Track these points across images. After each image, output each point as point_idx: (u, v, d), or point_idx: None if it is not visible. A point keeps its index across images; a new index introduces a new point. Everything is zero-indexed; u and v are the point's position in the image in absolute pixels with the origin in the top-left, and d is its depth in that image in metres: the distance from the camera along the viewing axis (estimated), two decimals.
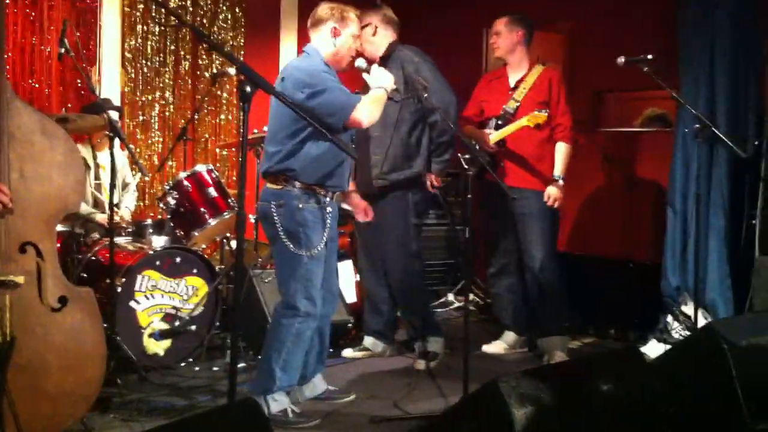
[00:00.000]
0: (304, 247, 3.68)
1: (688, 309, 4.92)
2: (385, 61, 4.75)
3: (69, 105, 5.65)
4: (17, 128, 2.90)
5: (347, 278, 5.45)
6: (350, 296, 5.34)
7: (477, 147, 4.85)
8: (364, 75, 3.98)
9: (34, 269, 2.92)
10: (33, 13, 5.53)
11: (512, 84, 5.00)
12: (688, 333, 4.85)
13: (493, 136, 4.87)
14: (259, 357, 3.92)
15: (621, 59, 4.53)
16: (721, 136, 4.43)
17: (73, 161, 3.05)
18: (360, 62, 4.00)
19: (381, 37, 4.80)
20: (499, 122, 4.90)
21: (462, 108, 5.02)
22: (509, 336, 5.15)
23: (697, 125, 4.52)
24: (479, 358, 4.91)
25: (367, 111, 3.75)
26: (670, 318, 5.01)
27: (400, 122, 4.68)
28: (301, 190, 3.70)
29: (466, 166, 3.94)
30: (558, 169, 4.86)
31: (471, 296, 6.26)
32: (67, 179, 3.01)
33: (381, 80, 3.91)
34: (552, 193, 4.81)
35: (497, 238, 5.09)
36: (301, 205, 3.68)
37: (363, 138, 4.67)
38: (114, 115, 5.20)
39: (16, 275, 2.84)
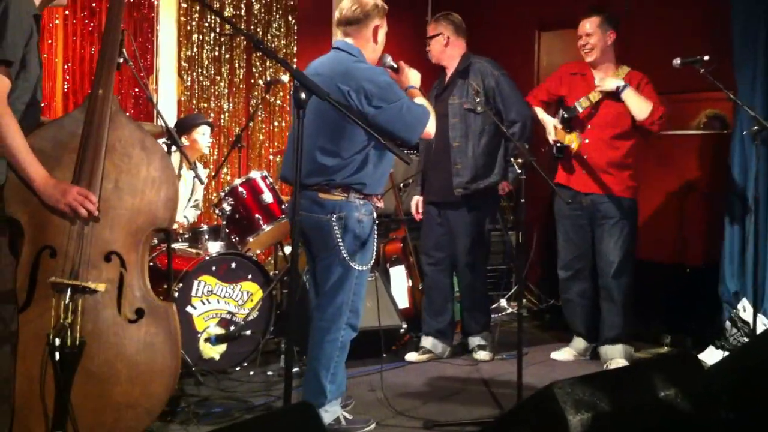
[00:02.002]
0: (359, 260, 3.58)
1: (747, 314, 4.83)
2: (464, 74, 4.82)
3: (127, 114, 5.74)
4: (118, 140, 2.99)
5: (400, 283, 5.47)
6: (402, 302, 5.35)
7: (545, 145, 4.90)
8: (390, 72, 3.75)
9: (117, 279, 2.97)
10: (92, 24, 5.66)
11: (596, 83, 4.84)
12: (746, 339, 4.75)
13: (556, 135, 4.85)
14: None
15: (677, 60, 4.48)
16: None
17: (167, 178, 3.08)
18: (388, 59, 3.81)
19: (453, 47, 4.87)
20: (566, 115, 4.83)
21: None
22: (579, 342, 5.08)
23: (755, 127, 4.45)
24: (533, 364, 4.88)
25: (434, 121, 3.67)
26: (728, 323, 4.92)
27: (482, 133, 4.80)
28: (361, 201, 3.58)
29: (518, 170, 3.94)
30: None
31: (523, 302, 6.23)
32: (159, 194, 3.05)
33: (416, 80, 3.80)
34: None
35: (572, 243, 4.96)
36: (360, 217, 3.57)
37: (442, 147, 4.84)
38: (206, 129, 5.31)
39: (97, 282, 2.90)
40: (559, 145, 4.85)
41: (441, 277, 5.06)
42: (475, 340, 5.05)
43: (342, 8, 3.67)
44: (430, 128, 3.65)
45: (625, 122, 4.75)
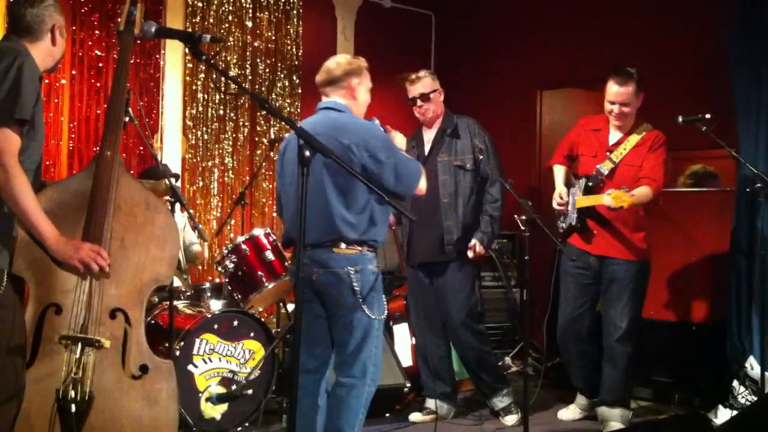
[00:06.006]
0: (377, 311, 3.55)
1: (755, 372, 4.77)
2: (453, 132, 4.81)
3: (131, 171, 5.79)
4: (124, 201, 3.08)
5: (404, 341, 5.42)
6: (406, 359, 5.29)
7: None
8: None
9: (121, 335, 3.01)
10: (98, 84, 5.73)
11: (611, 141, 4.73)
12: (754, 397, 4.69)
13: (579, 200, 4.71)
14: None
15: (679, 119, 4.49)
16: None
17: (170, 236, 3.16)
18: (376, 122, 3.79)
19: (440, 102, 4.87)
20: (590, 183, 4.69)
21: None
22: (583, 399, 5.01)
23: (759, 184, 4.45)
24: (539, 423, 4.81)
25: (425, 178, 3.70)
26: (735, 382, 4.86)
27: (471, 191, 4.78)
28: (372, 254, 3.58)
29: (522, 228, 3.93)
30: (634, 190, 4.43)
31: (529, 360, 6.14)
32: (163, 252, 3.13)
33: (402, 143, 3.87)
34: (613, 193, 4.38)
35: (573, 302, 4.86)
36: (374, 269, 3.56)
37: (430, 206, 4.75)
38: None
39: (103, 338, 2.92)
40: (576, 215, 4.74)
41: (433, 338, 4.98)
42: (497, 403, 4.91)
43: (323, 70, 3.72)
44: (423, 185, 3.67)
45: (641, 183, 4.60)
